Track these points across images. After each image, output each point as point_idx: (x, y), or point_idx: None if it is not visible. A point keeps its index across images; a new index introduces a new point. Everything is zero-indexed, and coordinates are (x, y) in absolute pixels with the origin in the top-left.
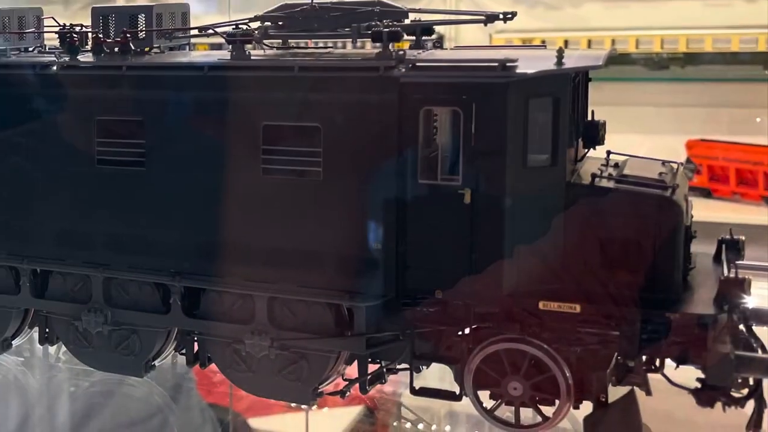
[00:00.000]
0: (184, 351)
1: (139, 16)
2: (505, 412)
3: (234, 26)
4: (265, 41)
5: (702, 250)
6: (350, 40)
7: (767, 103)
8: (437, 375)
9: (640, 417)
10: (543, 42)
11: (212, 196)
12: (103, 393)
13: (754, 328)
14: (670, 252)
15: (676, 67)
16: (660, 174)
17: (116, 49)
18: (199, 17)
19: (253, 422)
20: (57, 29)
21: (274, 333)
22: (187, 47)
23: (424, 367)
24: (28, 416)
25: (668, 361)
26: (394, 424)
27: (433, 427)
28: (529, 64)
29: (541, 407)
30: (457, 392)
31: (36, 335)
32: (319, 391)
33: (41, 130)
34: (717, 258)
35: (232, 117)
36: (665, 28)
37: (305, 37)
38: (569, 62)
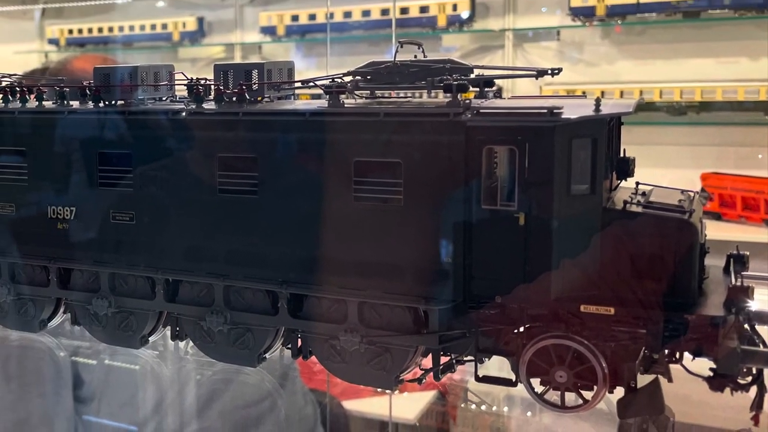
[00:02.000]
0: (289, 345)
1: (253, 72)
2: (553, 396)
3: (330, 80)
4: (356, 92)
5: (714, 263)
6: (426, 91)
7: (767, 143)
8: (497, 365)
9: (663, 399)
10: (583, 93)
11: (313, 218)
12: (223, 380)
13: (757, 327)
14: (688, 265)
15: (693, 113)
16: (679, 201)
17: (234, 99)
18: (301, 72)
19: (346, 404)
20: (185, 82)
21: (363, 331)
22: (292, 97)
23: (486, 359)
24: (162, 399)
25: (686, 354)
26: (462, 405)
27: (494, 408)
28: (572, 110)
29: (582, 392)
30: (513, 379)
31: (168, 333)
32: (400, 378)
33: (172, 165)
34: (726, 270)
35: (328, 154)
36: (683, 81)
37: (389, 89)
38: (605, 109)
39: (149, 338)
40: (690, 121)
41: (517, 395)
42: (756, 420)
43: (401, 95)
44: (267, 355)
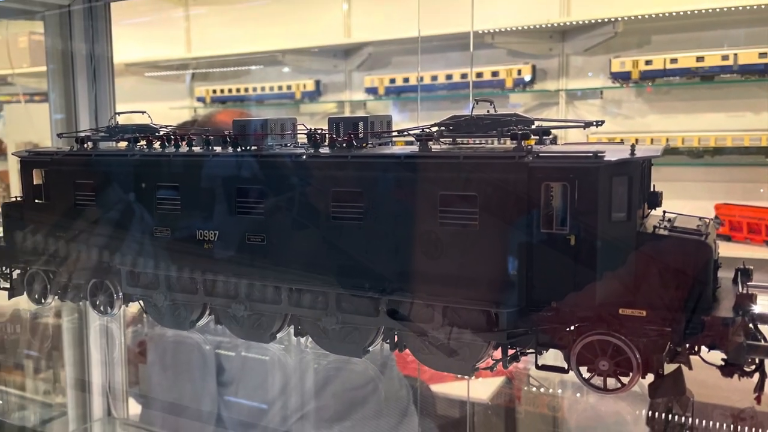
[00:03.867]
0: (388, 341)
1: (359, 123)
2: (597, 380)
3: (420, 130)
4: (441, 139)
5: (725, 275)
6: (496, 139)
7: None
8: (552, 356)
9: (685, 383)
10: (621, 140)
11: (407, 240)
12: (335, 368)
13: (759, 326)
14: (704, 276)
15: (708, 156)
16: (698, 226)
17: (344, 145)
18: (397, 124)
19: (433, 387)
20: (305, 131)
21: (447, 329)
22: (390, 143)
23: (544, 351)
24: (287, 383)
25: (703, 348)
26: (525, 388)
27: (550, 390)
28: (612, 154)
29: (621, 377)
30: (566, 368)
31: (292, 331)
32: (476, 367)
33: (295, 197)
34: (735, 281)
35: (419, 189)
36: (701, 131)
37: (467, 137)
38: (639, 153)
39: (276, 335)
40: (706, 163)
41: (569, 380)
42: (758, 400)
43: (477, 142)
44: (370, 349)
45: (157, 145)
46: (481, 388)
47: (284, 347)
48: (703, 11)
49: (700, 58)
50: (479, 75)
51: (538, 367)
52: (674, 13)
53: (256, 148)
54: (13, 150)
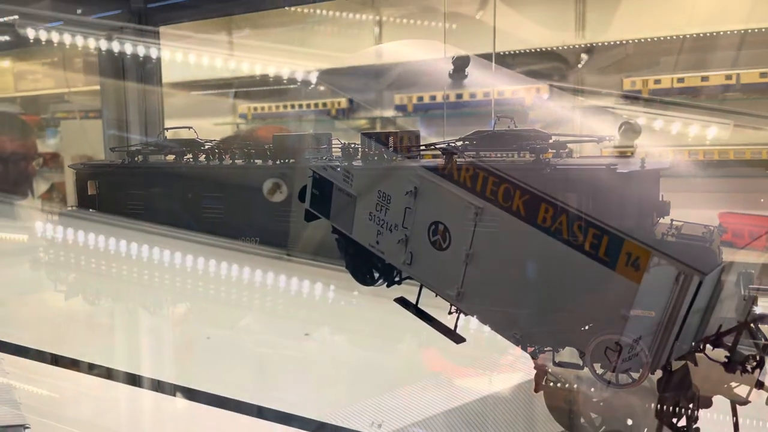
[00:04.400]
0: None
1: (389, 138)
2: (610, 376)
3: (446, 144)
4: (465, 153)
5: (728, 278)
6: (516, 152)
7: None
8: (569, 354)
9: (691, 378)
10: (632, 153)
11: (428, 244)
12: (366, 363)
13: (760, 325)
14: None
15: (712, 169)
16: (703, 233)
17: (375, 158)
18: (425, 138)
19: (456, 381)
20: (340, 146)
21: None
22: (418, 157)
23: (561, 349)
24: (321, 378)
25: (708, 345)
26: (543, 383)
27: (566, 385)
28: (624, 166)
29: (631, 373)
30: (581, 364)
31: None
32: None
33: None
34: (737, 283)
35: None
36: (705, 145)
37: (489, 151)
38: (648, 165)
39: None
40: (710, 175)
41: (584, 375)
42: (759, 386)
43: (498, 155)
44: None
45: (202, 158)
46: (502, 383)
47: (318, 344)
48: (708, 34)
49: (705, 78)
50: (500, 93)
51: (555, 364)
52: (681, 36)
53: (294, 160)
54: (69, 163)
